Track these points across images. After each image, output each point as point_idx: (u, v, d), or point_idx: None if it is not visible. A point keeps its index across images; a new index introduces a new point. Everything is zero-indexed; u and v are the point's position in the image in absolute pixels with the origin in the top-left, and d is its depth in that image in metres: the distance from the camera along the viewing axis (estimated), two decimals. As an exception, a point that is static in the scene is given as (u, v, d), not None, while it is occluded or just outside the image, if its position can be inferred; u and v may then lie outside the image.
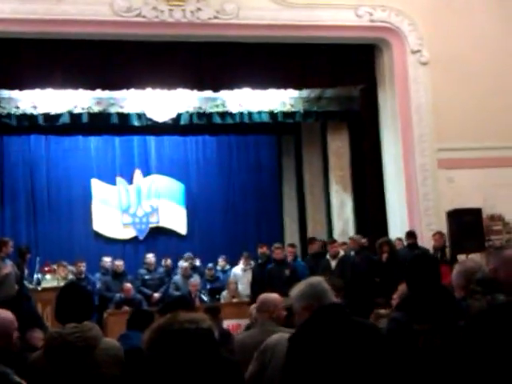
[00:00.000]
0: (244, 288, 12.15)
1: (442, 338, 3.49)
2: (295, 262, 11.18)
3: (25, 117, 12.73)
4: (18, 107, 12.58)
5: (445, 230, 11.17)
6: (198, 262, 13.31)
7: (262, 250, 11.62)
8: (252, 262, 12.52)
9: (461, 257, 10.48)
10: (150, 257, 12.62)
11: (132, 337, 4.68)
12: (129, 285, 11.65)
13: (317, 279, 3.62)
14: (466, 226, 11.00)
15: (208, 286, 12.68)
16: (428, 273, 3.76)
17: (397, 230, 11.85)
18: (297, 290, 3.58)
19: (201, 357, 2.27)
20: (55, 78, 11.22)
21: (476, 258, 10.92)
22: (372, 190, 12.59)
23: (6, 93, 12.31)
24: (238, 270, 12.75)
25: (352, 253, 11.33)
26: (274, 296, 5.00)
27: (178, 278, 12.41)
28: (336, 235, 13.91)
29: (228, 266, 13.36)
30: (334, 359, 3.16)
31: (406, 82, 12.04)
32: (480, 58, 12.04)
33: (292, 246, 11.78)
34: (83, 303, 3.79)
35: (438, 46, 11.95)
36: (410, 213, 11.90)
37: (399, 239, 11.19)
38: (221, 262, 13.44)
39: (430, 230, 11.31)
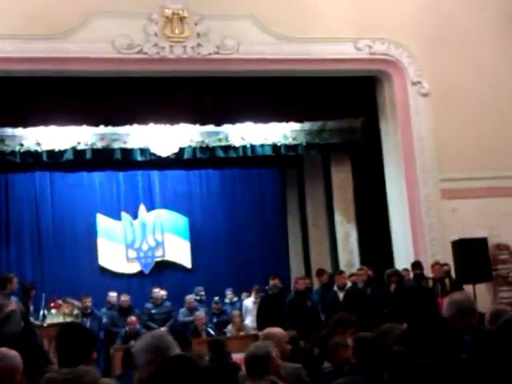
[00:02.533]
0: (253, 321, 12.11)
1: (444, 372, 3.48)
2: (310, 293, 11.20)
3: (29, 154, 12.78)
4: (22, 144, 12.64)
5: (450, 260, 11.15)
6: (203, 297, 13.29)
7: (274, 281, 11.63)
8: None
9: (467, 287, 10.45)
10: (157, 291, 12.61)
11: (131, 375, 4.66)
12: (133, 318, 11.65)
13: (160, 332, 3.48)
14: (472, 255, 10.98)
15: (214, 320, 12.66)
16: (424, 305, 3.75)
17: (402, 260, 11.82)
18: (141, 342, 3.45)
19: None
20: (59, 115, 11.34)
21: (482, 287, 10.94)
22: (376, 221, 12.58)
23: (9, 130, 12.39)
24: (248, 302, 12.75)
25: (360, 284, 11.28)
26: (278, 330, 4.99)
27: (183, 310, 12.43)
28: (342, 266, 13.87)
29: (235, 299, 13.34)
30: None
31: (407, 113, 12.11)
32: (480, 88, 12.11)
33: (306, 278, 11.81)
34: (80, 345, 3.70)
35: (437, 77, 12.04)
36: (415, 243, 11.89)
37: (406, 270, 11.15)
38: (229, 294, 13.40)
39: (436, 260, 11.27)
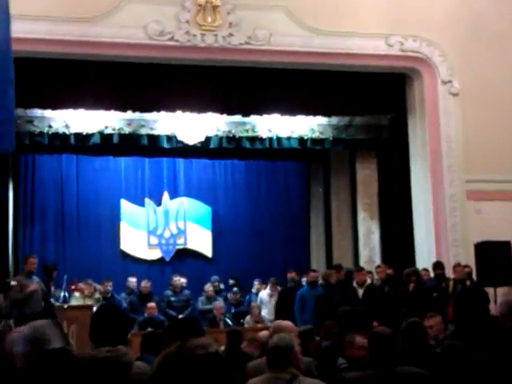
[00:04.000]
0: (269, 313, 12.18)
1: (498, 368, 3.49)
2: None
3: (57, 136, 12.86)
4: (50, 126, 12.71)
5: (472, 261, 11.06)
6: (222, 286, 13.33)
7: (291, 275, 11.65)
8: (278, 288, 12.54)
9: (488, 290, 10.38)
10: (177, 279, 12.66)
11: (149, 360, 4.69)
12: (153, 304, 11.69)
13: (41, 323, 3.30)
14: (495, 258, 10.88)
15: (233, 310, 12.68)
16: (477, 305, 3.78)
17: (423, 260, 11.77)
18: (20, 332, 3.29)
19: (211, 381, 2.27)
20: (87, 99, 11.40)
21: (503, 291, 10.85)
22: (400, 219, 12.54)
23: (39, 112, 12.47)
24: (264, 294, 12.76)
25: (378, 282, 11.25)
26: (288, 323, 4.98)
27: (202, 299, 12.48)
28: (362, 263, 13.83)
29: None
30: None
31: (436, 112, 12.03)
32: (511, 90, 12.00)
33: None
34: (120, 326, 3.71)
35: (468, 77, 11.95)
36: (438, 243, 11.83)
37: (425, 270, 11.09)
38: (257, 284, 13.38)
39: (458, 261, 11.20)
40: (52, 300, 10.57)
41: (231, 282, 13.65)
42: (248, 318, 12.23)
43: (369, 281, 11.19)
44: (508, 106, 11.99)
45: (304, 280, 12.15)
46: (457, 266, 10.85)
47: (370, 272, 11.82)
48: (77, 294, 11.57)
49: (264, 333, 6.07)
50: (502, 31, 12.22)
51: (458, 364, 3.54)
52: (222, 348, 6.86)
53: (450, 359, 3.60)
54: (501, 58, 12.12)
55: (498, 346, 3.52)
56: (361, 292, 10.84)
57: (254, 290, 13.36)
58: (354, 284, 11.07)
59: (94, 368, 3.15)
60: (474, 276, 10.86)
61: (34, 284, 9.64)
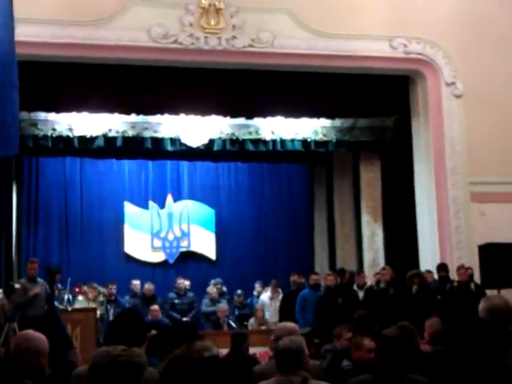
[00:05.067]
0: (271, 315, 12.19)
1: (486, 374, 3.45)
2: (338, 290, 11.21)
3: (60, 139, 12.86)
4: (54, 129, 12.72)
5: (476, 263, 11.06)
6: (224, 288, 13.32)
7: (294, 277, 11.63)
8: (279, 290, 12.55)
9: (492, 292, 10.36)
10: (181, 282, 12.66)
11: (154, 363, 4.68)
12: (156, 306, 11.69)
13: None
14: (499, 260, 10.88)
15: (236, 313, 12.68)
16: (465, 307, 3.74)
17: (427, 262, 11.77)
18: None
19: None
20: (91, 102, 11.42)
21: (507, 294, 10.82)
22: (403, 222, 12.54)
23: (43, 115, 12.48)
24: (265, 297, 12.76)
25: (383, 284, 11.24)
26: (292, 325, 4.95)
27: (206, 301, 12.49)
28: (366, 266, 13.84)
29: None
30: None
31: (439, 114, 12.04)
32: (514, 92, 12.02)
33: (332, 274, 11.82)
34: (137, 331, 3.78)
35: (472, 79, 11.95)
36: (442, 245, 11.84)
37: (429, 272, 11.09)
38: (258, 287, 13.40)
39: (462, 264, 11.19)
40: (56, 303, 10.58)
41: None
42: (252, 320, 12.22)
43: (369, 283, 11.18)
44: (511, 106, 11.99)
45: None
46: (460, 268, 10.85)
47: (377, 273, 11.81)
48: (81, 297, 11.60)
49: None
50: (505, 33, 12.22)
51: (442, 370, 3.50)
52: (225, 351, 6.87)
53: (435, 365, 3.57)
54: (504, 60, 12.13)
55: (485, 351, 3.48)
56: (361, 294, 10.85)
57: (255, 293, 13.36)
58: (355, 287, 11.08)
59: (108, 365, 3.15)
60: (478, 278, 10.86)
61: (37, 287, 9.65)
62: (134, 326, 3.77)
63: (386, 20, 11.82)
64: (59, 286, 10.95)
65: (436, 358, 3.56)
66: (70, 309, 10.79)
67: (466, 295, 9.75)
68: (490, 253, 10.95)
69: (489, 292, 10.34)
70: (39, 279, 9.94)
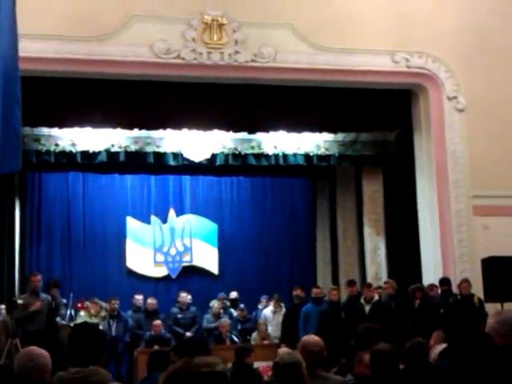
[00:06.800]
0: (273, 330, 12.17)
1: None
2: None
3: (63, 154, 12.91)
4: (57, 144, 12.76)
5: (479, 277, 11.01)
6: (228, 303, 13.31)
7: (296, 292, 11.63)
8: (282, 305, 12.54)
9: (495, 306, 10.33)
10: (184, 296, 12.65)
11: (156, 378, 4.66)
12: (158, 321, 11.69)
13: None
14: (502, 274, 10.84)
15: (239, 327, 12.66)
16: (468, 321, 3.70)
17: (430, 275, 11.74)
18: None
19: None
20: (94, 117, 11.44)
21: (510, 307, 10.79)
22: (406, 235, 12.51)
23: (45, 130, 12.53)
24: (267, 311, 12.75)
25: (385, 298, 11.21)
26: (317, 339, 4.93)
27: (208, 316, 12.47)
28: (369, 279, 13.82)
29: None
30: None
31: (441, 128, 12.04)
32: (516, 106, 12.03)
33: (336, 289, 11.81)
34: (92, 345, 3.61)
35: (474, 93, 11.96)
36: (445, 259, 11.80)
37: (434, 285, 11.06)
38: (264, 301, 13.38)
39: (465, 277, 11.16)
40: (58, 318, 10.56)
41: (234, 294, 13.56)
42: (254, 334, 12.21)
43: (376, 297, 11.16)
44: (513, 121, 12.02)
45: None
46: (463, 281, 10.83)
47: (379, 287, 11.79)
48: (83, 312, 11.60)
49: (282, 349, 6.05)
50: (507, 47, 12.24)
51: None
52: (229, 365, 6.85)
53: (437, 381, 3.54)
54: (507, 74, 12.14)
55: (489, 366, 3.44)
56: (367, 308, 10.83)
57: (260, 307, 13.34)
58: (362, 300, 11.05)
59: None
60: (481, 292, 10.82)
61: (39, 302, 9.63)
62: (88, 341, 3.63)
63: (388, 34, 11.85)
64: (63, 300, 10.94)
65: (438, 373, 3.54)
66: (71, 324, 10.77)
67: (468, 309, 9.64)
68: (493, 266, 10.91)
69: (492, 306, 10.34)
70: (42, 294, 9.92)
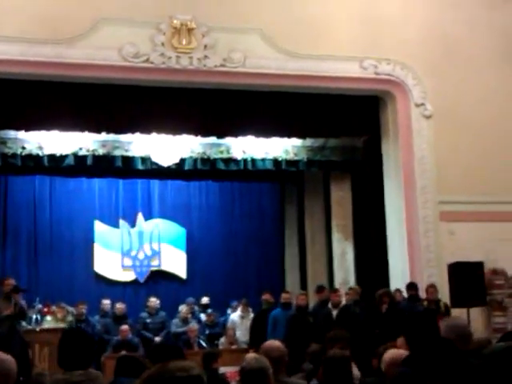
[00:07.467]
0: (242, 335, 12.16)
1: None
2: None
3: (30, 157, 12.76)
4: (23, 147, 12.61)
5: (446, 282, 11.13)
6: (196, 308, 13.29)
7: (265, 297, 11.63)
8: (250, 309, 12.54)
9: (461, 310, 10.45)
10: (153, 301, 12.61)
11: (122, 383, 4.64)
12: (126, 326, 11.63)
13: None
14: (468, 279, 10.96)
15: (207, 332, 12.64)
16: (429, 328, 3.72)
17: (398, 280, 11.81)
18: None
19: None
20: (61, 120, 11.33)
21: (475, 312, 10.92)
22: (374, 240, 12.60)
23: (12, 133, 12.38)
24: (235, 316, 12.74)
25: (350, 303, 11.26)
26: (278, 344, 4.93)
27: (176, 321, 12.43)
28: (337, 284, 13.86)
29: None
30: None
31: (409, 134, 12.14)
32: (483, 113, 12.17)
33: (304, 294, 11.83)
34: (87, 349, 3.71)
35: (441, 100, 12.09)
36: (412, 264, 11.88)
37: (398, 290, 11.14)
38: (234, 307, 13.37)
39: (432, 282, 11.26)
40: (24, 323, 10.43)
41: (205, 299, 13.55)
42: (222, 339, 12.20)
43: (343, 302, 11.21)
44: (480, 128, 12.13)
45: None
46: (430, 286, 10.92)
47: (348, 293, 11.84)
48: (49, 317, 11.48)
49: (250, 355, 6.03)
50: (474, 55, 12.39)
51: None
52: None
53: None
54: (473, 82, 12.28)
55: (453, 372, 3.46)
56: (335, 313, 10.86)
57: (229, 312, 13.34)
58: (329, 305, 11.09)
59: None
60: (447, 297, 10.93)
61: (11, 306, 9.52)
62: (81, 345, 3.68)
63: (357, 41, 11.93)
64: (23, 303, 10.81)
65: (400, 380, 3.56)
66: (38, 329, 10.67)
67: (433, 315, 9.77)
68: (459, 272, 11.04)
69: (458, 311, 10.44)
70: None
